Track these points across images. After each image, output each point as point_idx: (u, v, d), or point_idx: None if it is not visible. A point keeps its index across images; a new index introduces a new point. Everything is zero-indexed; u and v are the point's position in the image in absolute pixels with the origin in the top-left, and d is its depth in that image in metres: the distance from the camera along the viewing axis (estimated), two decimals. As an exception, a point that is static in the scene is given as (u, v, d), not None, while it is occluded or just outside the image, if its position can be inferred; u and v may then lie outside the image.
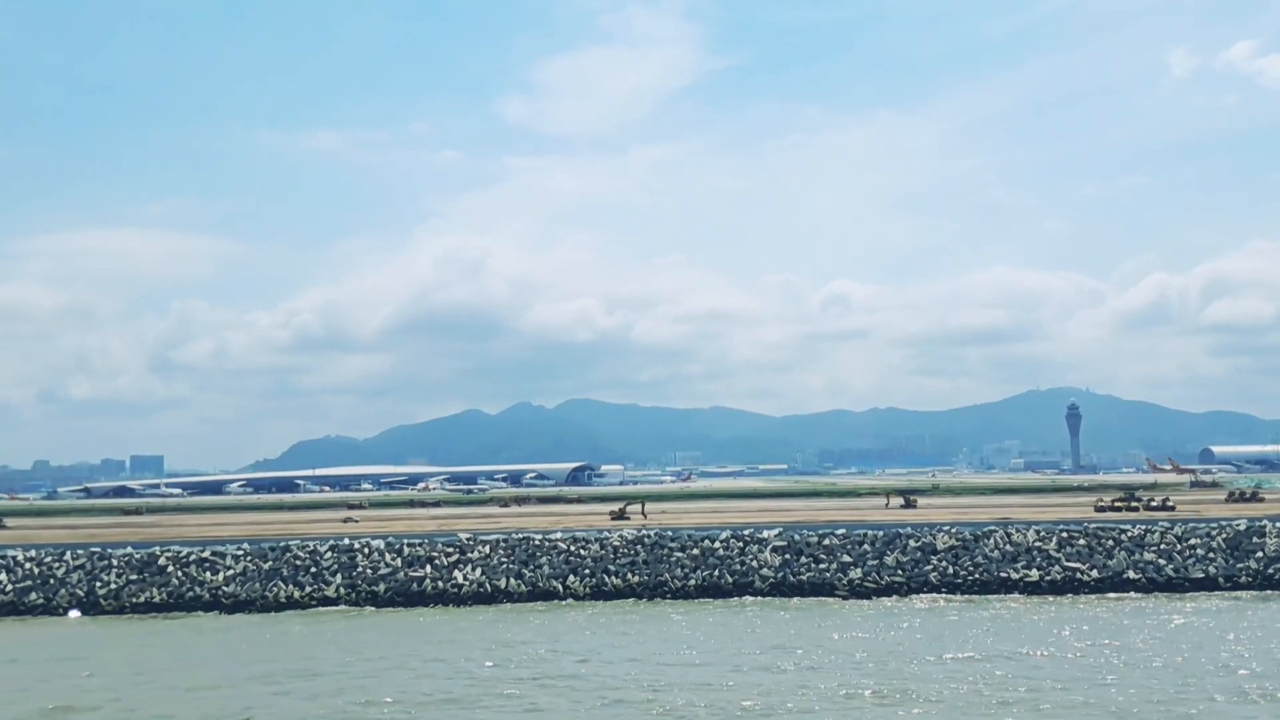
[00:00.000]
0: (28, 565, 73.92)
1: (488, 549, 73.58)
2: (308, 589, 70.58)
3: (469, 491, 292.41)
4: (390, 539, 77.95)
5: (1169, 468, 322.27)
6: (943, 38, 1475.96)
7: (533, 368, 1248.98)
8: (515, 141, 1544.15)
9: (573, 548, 73.42)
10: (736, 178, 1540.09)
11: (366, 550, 74.26)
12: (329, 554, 74.05)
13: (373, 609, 68.27)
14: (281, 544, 76.58)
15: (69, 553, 75.86)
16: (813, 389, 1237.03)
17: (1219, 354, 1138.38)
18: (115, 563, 73.78)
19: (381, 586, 70.56)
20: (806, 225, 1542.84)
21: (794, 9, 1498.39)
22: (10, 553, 75.80)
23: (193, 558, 74.04)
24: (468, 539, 76.07)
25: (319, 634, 60.03)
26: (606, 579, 69.77)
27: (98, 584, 71.64)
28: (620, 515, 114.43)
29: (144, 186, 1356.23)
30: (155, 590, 70.89)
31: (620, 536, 75.04)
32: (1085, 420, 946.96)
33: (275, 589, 70.63)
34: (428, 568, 71.94)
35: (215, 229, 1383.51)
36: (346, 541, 76.77)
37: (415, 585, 70.51)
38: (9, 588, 71.46)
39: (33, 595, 70.82)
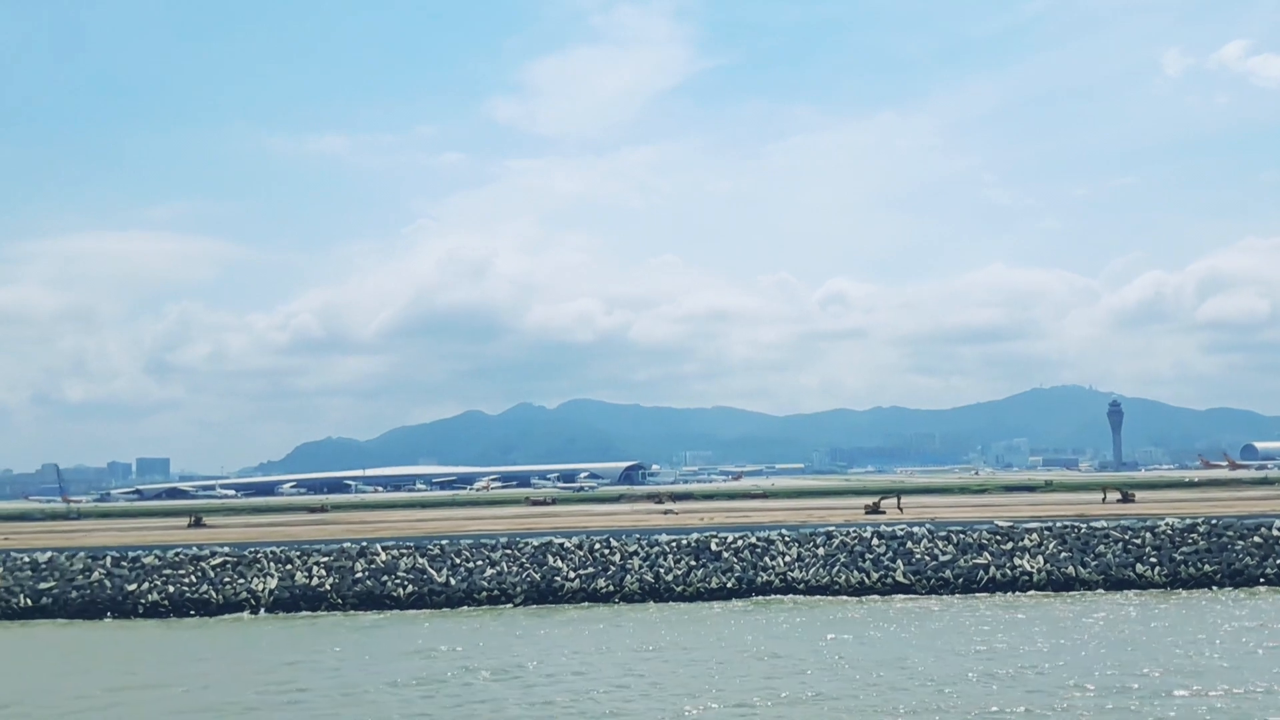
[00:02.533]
0: (580, 553, 73.66)
1: (1038, 537, 74.15)
2: (875, 575, 70.89)
3: (579, 489, 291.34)
4: (929, 525, 78.39)
5: (1225, 464, 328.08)
6: (934, 37, 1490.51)
7: (528, 368, 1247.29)
8: (506, 142, 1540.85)
9: (1128, 536, 74.10)
10: (729, 177, 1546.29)
11: (914, 537, 74.69)
12: (875, 540, 74.41)
13: (943, 595, 68.72)
14: (823, 529, 76.92)
15: (613, 539, 75.78)
16: (810, 388, 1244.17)
17: (1214, 351, 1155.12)
18: (668, 549, 73.74)
19: (948, 573, 70.96)
20: (801, 224, 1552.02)
21: (783, 9, 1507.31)
22: (558, 540, 75.58)
23: (741, 542, 74.20)
24: (1008, 526, 76.67)
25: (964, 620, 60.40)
26: (1181, 568, 70.58)
27: (661, 569, 71.56)
28: (875, 509, 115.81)
29: (147, 190, 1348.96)
30: (721, 576, 70.92)
31: (1169, 525, 75.81)
32: (1088, 417, 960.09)
33: (843, 575, 70.89)
34: (985, 555, 72.39)
35: (217, 232, 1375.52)
36: (887, 528, 77.07)
37: (981, 573, 70.94)
38: (571, 575, 71.24)
39: (600, 582, 70.65)
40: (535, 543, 75.26)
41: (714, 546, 74.06)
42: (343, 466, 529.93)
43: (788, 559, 72.63)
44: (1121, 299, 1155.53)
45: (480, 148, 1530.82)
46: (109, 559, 73.17)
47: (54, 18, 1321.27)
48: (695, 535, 76.24)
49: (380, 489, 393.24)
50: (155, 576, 70.84)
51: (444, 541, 76.33)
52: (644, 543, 75.02)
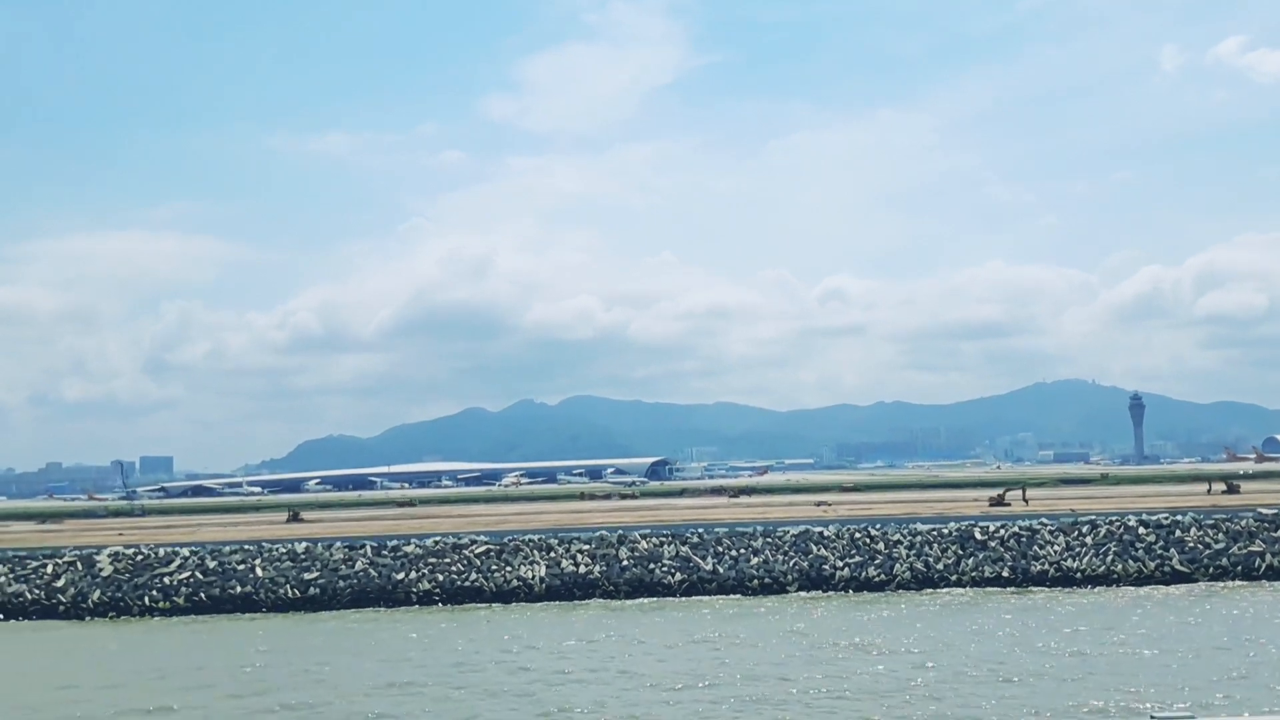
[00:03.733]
0: (841, 541, 72.71)
1: (1294, 524, 73.66)
2: (1151, 564, 70.08)
3: (630, 484, 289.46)
4: (1197, 514, 77.73)
5: (1252, 456, 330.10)
6: (930, 33, 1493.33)
7: (528, 366, 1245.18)
8: (501, 140, 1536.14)
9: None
10: (726, 175, 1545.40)
11: (1182, 525, 74.00)
12: (1142, 529, 73.63)
13: (1225, 582, 68.06)
14: (1087, 518, 76.23)
15: (871, 527, 74.94)
16: (808, 384, 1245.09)
17: (1211, 346, 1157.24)
18: (930, 537, 72.87)
19: (1225, 561, 70.29)
20: (799, 222, 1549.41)
21: (777, 6, 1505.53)
22: (815, 529, 74.72)
23: (1004, 531, 73.36)
24: (1274, 513, 76.07)
25: None
26: None
27: (929, 558, 70.72)
28: (1000, 501, 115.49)
29: (149, 190, 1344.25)
30: (993, 564, 70.09)
31: None
32: (1091, 411, 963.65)
33: (1119, 564, 70.09)
34: (1258, 542, 71.71)
35: (218, 231, 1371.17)
36: (1159, 518, 76.23)
37: (1258, 560, 70.26)
38: (839, 563, 70.34)
39: (870, 570, 69.86)
40: (794, 531, 74.27)
41: (978, 535, 73.17)
42: (345, 464, 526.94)
43: (1057, 548, 71.77)
44: (1119, 295, 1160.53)
45: (475, 145, 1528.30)
46: (369, 548, 71.73)
47: (54, 17, 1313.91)
48: (954, 524, 75.30)
49: (406, 485, 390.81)
50: (421, 565, 69.46)
51: (701, 530, 75.26)
52: (905, 531, 74.10)
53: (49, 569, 69.51)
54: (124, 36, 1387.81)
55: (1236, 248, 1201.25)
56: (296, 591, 67.57)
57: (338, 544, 72.87)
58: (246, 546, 72.62)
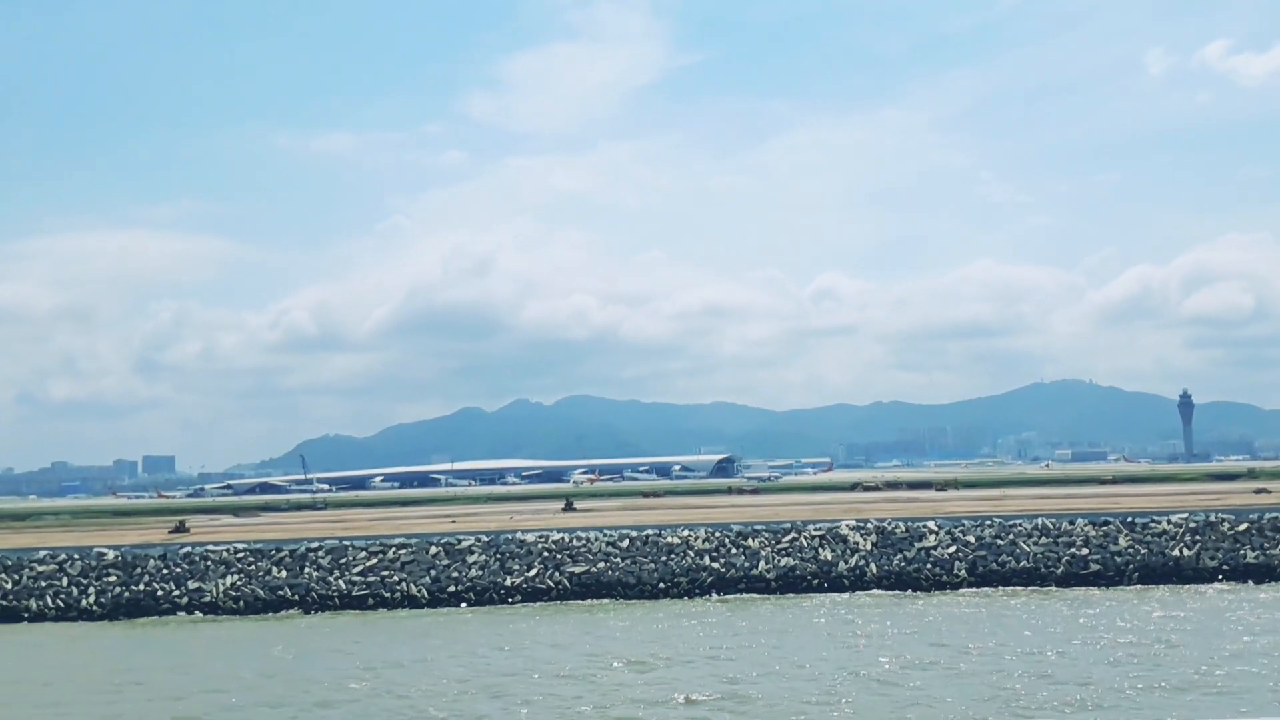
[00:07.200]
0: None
1: None
2: None
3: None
4: None
5: None
6: (916, 31, 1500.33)
7: (518, 365, 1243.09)
8: (485, 139, 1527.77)
9: None
10: (712, 174, 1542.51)
11: None
12: None
13: None
14: None
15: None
16: (796, 384, 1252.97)
17: (1198, 346, 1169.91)
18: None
19: None
20: (789, 221, 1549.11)
21: (761, 5, 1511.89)
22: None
23: None
24: None
25: None
26: None
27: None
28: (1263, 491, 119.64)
29: (151, 188, 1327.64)
30: None
31: None
32: (1089, 410, 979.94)
33: None
34: None
35: (219, 230, 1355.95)
36: None
37: None
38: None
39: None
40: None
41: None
42: (344, 464, 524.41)
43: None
44: (1107, 295, 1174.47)
45: (458, 143, 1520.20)
46: (995, 524, 76.55)
47: (54, 14, 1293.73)
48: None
49: (472, 483, 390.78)
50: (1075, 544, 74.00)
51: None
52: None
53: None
54: (125, 34, 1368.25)
55: (1223, 248, 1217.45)
56: (965, 570, 71.88)
57: (965, 521, 77.60)
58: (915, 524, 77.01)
